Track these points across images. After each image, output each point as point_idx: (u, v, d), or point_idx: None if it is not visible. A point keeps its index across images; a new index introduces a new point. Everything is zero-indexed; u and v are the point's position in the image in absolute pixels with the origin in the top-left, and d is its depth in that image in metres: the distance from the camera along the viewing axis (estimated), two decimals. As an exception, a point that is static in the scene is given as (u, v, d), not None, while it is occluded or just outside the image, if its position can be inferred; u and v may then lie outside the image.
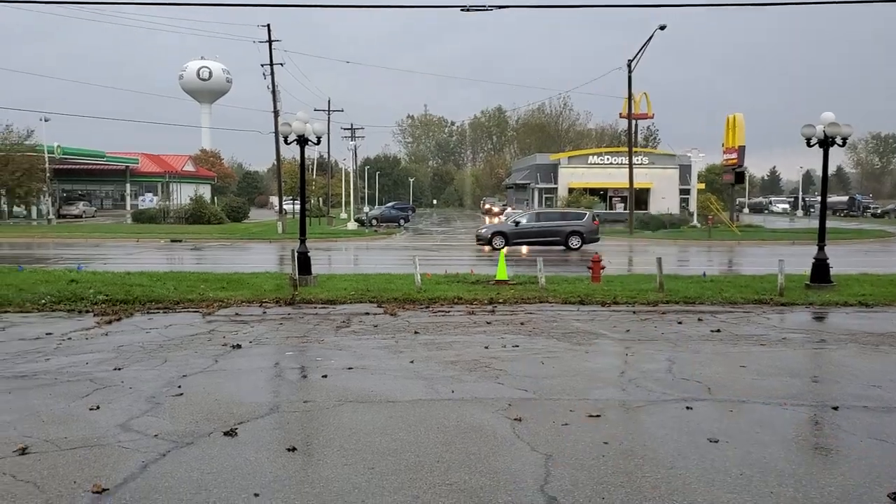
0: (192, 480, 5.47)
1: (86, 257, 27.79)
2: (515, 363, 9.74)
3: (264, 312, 13.78)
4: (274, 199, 67.42)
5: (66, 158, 58.64)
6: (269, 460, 5.94)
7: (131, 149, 75.79)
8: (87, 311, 13.60)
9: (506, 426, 6.87)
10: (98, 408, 7.30)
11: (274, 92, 45.17)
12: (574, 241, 33.73)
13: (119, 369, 8.98)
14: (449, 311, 13.92)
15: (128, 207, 65.52)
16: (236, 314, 13.51)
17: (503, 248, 33.27)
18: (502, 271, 17.87)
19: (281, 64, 46.10)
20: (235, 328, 12.06)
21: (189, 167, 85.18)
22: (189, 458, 5.95)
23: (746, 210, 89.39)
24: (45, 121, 53.27)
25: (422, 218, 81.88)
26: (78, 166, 66.28)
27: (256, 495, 5.19)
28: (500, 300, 14.99)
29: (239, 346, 10.47)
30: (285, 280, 17.07)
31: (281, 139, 19.53)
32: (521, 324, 12.57)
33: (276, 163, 52.52)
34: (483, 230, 36.11)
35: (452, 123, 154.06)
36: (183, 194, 72.72)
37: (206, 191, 76.85)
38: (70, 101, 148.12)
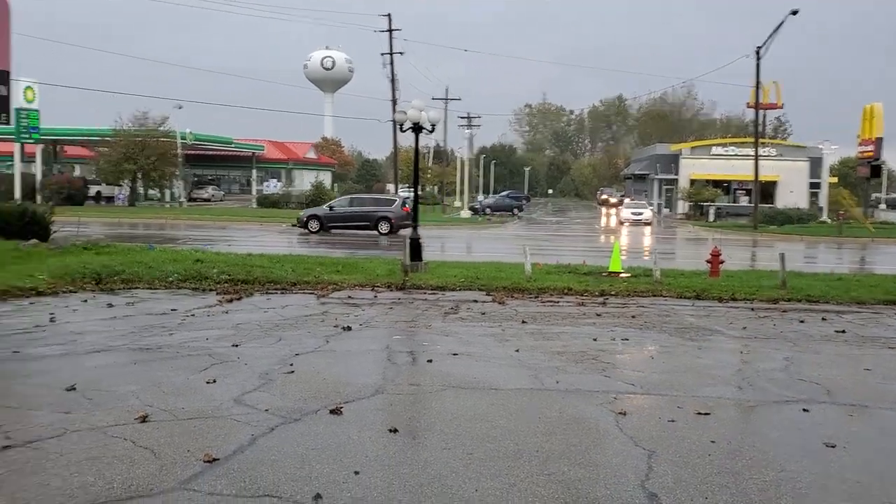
0: (296, 455, 5.65)
1: (212, 239, 29.17)
2: (624, 356, 9.55)
3: (375, 296, 14.05)
4: (390, 187, 68.67)
5: (196, 144, 61.45)
6: (371, 440, 6.06)
7: (257, 136, 78.68)
8: (211, 290, 14.22)
9: (609, 419, 6.74)
10: (214, 381, 7.63)
11: (393, 80, 45.93)
12: (383, 227, 34.50)
13: (236, 346, 9.37)
14: (558, 302, 13.78)
15: (253, 192, 68.13)
16: (349, 297, 13.83)
17: (317, 231, 34.48)
18: (616, 263, 17.53)
19: (401, 53, 46.60)
20: (347, 310, 12.35)
21: (311, 154, 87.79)
22: (295, 433, 6.15)
23: (883, 206, 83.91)
24: (179, 108, 56.04)
25: (536, 207, 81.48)
26: (208, 152, 69.37)
27: (357, 473, 5.30)
28: (612, 292, 14.71)
29: (349, 328, 10.71)
30: (397, 265, 17.33)
31: (397, 127, 19.82)
32: (633, 317, 12.30)
33: (393, 151, 53.38)
34: (301, 213, 37.03)
35: (571, 112, 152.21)
36: (305, 181, 75.03)
37: (326, 177, 79.03)
38: (201, 89, 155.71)
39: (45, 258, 16.79)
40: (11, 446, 5.66)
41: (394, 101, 45.64)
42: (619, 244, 19.99)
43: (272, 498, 4.86)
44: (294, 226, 36.31)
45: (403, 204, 36.20)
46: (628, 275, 17.05)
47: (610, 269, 17.36)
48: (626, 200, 60.59)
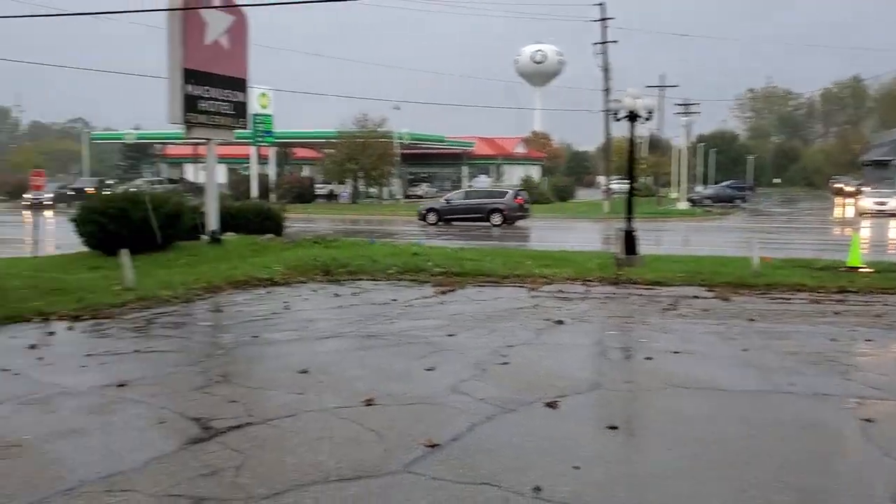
0: (513, 445, 5.63)
1: (426, 234, 30.18)
2: (868, 359, 8.69)
3: (587, 290, 13.79)
4: (601, 179, 67.64)
5: (412, 143, 63.88)
6: (590, 436, 5.92)
7: (468, 133, 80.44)
8: (426, 282, 14.63)
9: (853, 426, 6.12)
10: (433, 369, 7.82)
11: (605, 70, 44.99)
12: (496, 218, 34.96)
13: (452, 335, 9.55)
14: (789, 299, 12.76)
15: (464, 188, 69.77)
16: (560, 291, 13.67)
17: (435, 223, 35.70)
18: (856, 257, 15.99)
19: (614, 41, 45.39)
20: (558, 304, 12.21)
21: (520, 149, 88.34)
22: (511, 424, 6.14)
23: None
24: (397, 109, 58.52)
25: (761, 198, 76.68)
26: (421, 150, 71.94)
27: (576, 468, 5.18)
28: (852, 289, 13.39)
29: (562, 322, 10.58)
30: (609, 259, 16.94)
31: (610, 117, 19.40)
32: (877, 316, 11.12)
33: (604, 141, 52.41)
34: (420, 207, 38.87)
35: (799, 96, 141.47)
36: (514, 175, 75.71)
37: (535, 171, 79.23)
38: (416, 90, 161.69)
39: (280, 251, 18.17)
40: (252, 423, 6.13)
41: (606, 91, 44.66)
42: (859, 237, 18.22)
43: (491, 486, 4.86)
44: (419, 218, 37.56)
45: (516, 195, 36.66)
46: (870, 270, 15.48)
47: (849, 264, 15.86)
48: (867, 189, 55.09)
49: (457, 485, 4.89)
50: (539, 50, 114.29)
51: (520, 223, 35.80)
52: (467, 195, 38.97)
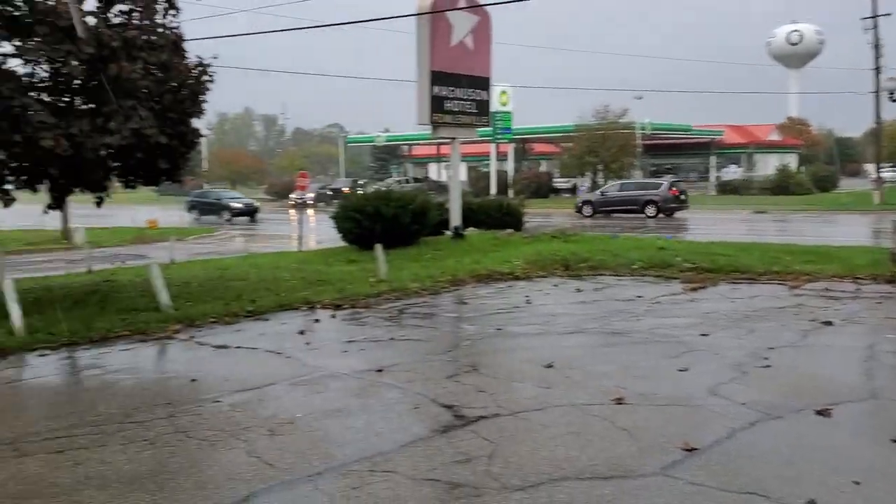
0: (780, 454, 5.19)
1: (675, 226, 29.09)
2: None
3: (858, 289, 12.47)
4: (868, 167, 61.20)
5: (654, 134, 61.91)
6: (869, 448, 5.33)
7: (716, 121, 76.38)
8: (674, 278, 14.01)
9: None
10: (686, 370, 7.43)
11: (876, 47, 40.67)
12: (650, 210, 35.44)
13: (705, 335, 9.03)
14: None
15: (711, 179, 66.48)
16: (825, 289, 12.50)
17: (590, 215, 36.70)
18: None
19: (886, 14, 40.90)
20: (824, 304, 11.16)
21: (774, 136, 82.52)
22: (777, 431, 5.67)
23: None
24: (639, 98, 57.14)
25: None
26: (666, 141, 69.51)
27: (857, 483, 4.66)
28: None
29: (830, 323, 9.64)
30: (883, 255, 15.22)
31: (883, 98, 17.44)
32: None
33: (873, 126, 47.43)
34: (577, 200, 40.55)
35: None
36: (768, 165, 70.89)
37: (791, 160, 73.60)
38: (660, 77, 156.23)
39: (519, 246, 18.34)
40: (501, 414, 6.19)
41: (877, 70, 40.35)
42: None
43: (759, 496, 4.50)
44: (576, 211, 38.62)
45: (671, 187, 36.60)
46: None
47: None
48: None
49: (719, 492, 4.58)
50: (795, 30, 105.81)
51: (677, 215, 35.64)
52: (622, 187, 39.31)
